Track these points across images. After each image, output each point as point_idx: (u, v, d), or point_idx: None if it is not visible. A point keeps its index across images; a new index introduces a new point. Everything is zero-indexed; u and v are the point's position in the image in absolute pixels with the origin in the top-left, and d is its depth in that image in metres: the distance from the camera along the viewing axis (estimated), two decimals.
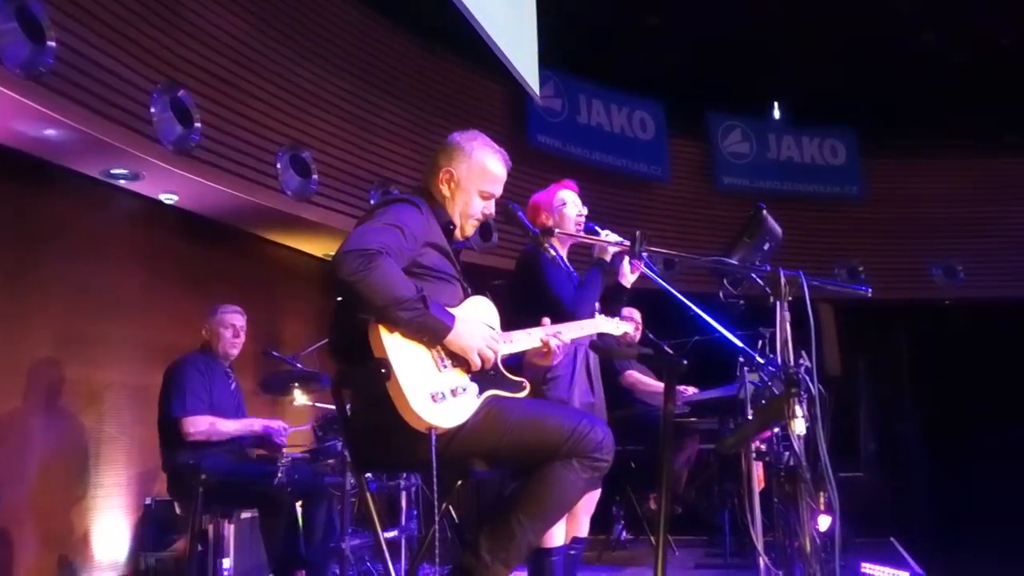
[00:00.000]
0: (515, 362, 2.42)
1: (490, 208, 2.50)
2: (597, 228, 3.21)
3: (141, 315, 5.16)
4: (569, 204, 3.28)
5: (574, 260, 3.35)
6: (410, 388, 2.06)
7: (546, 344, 2.43)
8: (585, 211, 3.31)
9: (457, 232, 2.46)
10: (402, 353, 2.10)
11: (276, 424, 4.20)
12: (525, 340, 2.42)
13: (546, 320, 2.50)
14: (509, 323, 2.43)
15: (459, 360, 2.19)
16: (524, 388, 2.33)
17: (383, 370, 2.05)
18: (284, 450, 4.18)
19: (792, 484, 2.49)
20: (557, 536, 2.96)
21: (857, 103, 8.95)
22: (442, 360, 2.17)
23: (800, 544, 2.47)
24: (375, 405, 2.12)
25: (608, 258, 3.14)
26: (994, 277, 8.85)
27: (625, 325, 2.85)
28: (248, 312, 4.41)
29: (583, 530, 3.29)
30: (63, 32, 4.14)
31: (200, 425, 3.95)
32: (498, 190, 2.51)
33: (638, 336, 5.27)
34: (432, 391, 2.10)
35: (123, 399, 4.98)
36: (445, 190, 2.45)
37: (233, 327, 4.31)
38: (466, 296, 2.39)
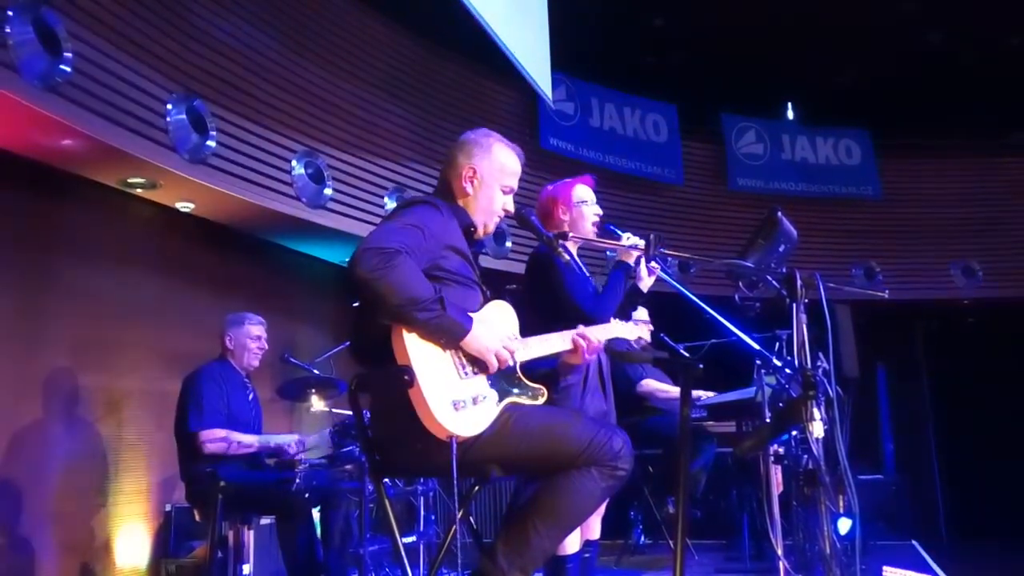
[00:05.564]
0: (541, 368, 2.43)
1: (510, 204, 2.51)
2: (618, 231, 3.17)
3: (158, 322, 5.19)
4: (588, 203, 3.26)
5: (583, 256, 3.33)
6: (432, 396, 2.06)
7: (574, 343, 2.46)
8: (601, 211, 3.29)
9: (480, 231, 2.46)
10: (425, 360, 2.10)
11: (290, 441, 4.19)
12: (542, 345, 2.42)
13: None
14: (526, 329, 2.43)
15: (480, 367, 2.20)
16: (542, 395, 2.33)
17: (406, 377, 2.05)
18: (301, 455, 4.18)
19: (811, 487, 2.47)
20: (572, 543, 2.95)
21: (871, 103, 8.90)
22: (463, 367, 2.17)
23: (820, 548, 2.45)
24: (394, 411, 2.13)
25: (632, 262, 3.09)
26: (1014, 276, 8.77)
27: (640, 330, 2.83)
28: (264, 319, 4.43)
29: (595, 533, 3.28)
30: (79, 43, 4.18)
31: (216, 437, 3.96)
32: (516, 184, 2.51)
33: (647, 334, 5.23)
34: (454, 399, 2.10)
35: (141, 406, 5.02)
36: (468, 187, 2.43)
37: (260, 339, 4.32)
38: (485, 301, 2.38)
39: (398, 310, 2.07)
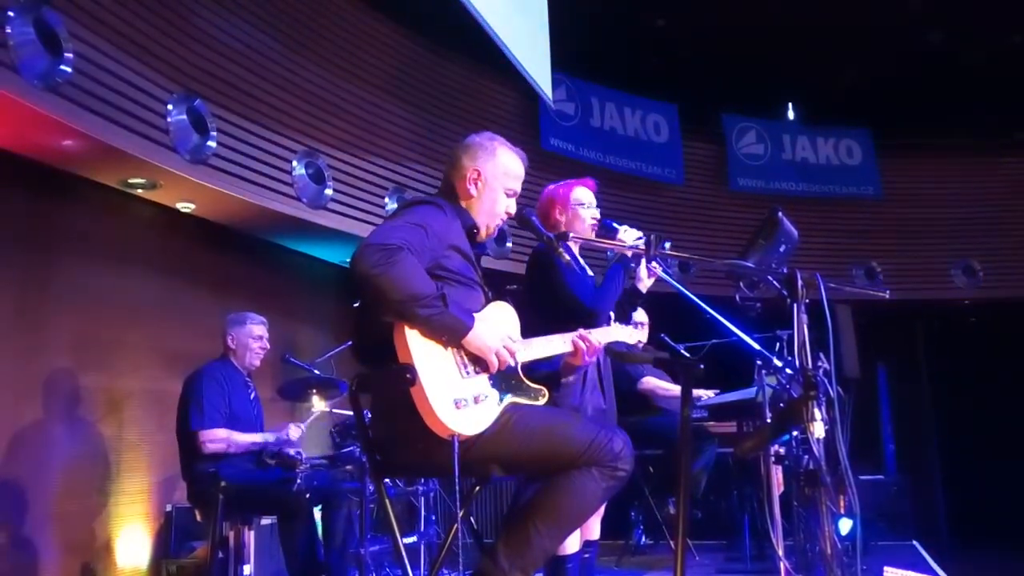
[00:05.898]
0: (542, 370, 2.43)
1: (512, 207, 2.52)
2: (615, 224, 3.17)
3: (159, 323, 5.19)
4: (586, 205, 3.26)
5: (584, 257, 3.34)
6: (434, 394, 2.06)
7: (574, 345, 2.46)
8: (599, 213, 3.29)
9: (482, 233, 2.47)
10: (427, 358, 2.10)
11: (290, 434, 4.18)
12: (544, 347, 2.43)
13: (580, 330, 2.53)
14: (527, 328, 2.43)
15: (481, 366, 2.20)
16: (543, 395, 2.34)
17: (408, 375, 2.06)
18: (302, 455, 4.18)
19: (812, 488, 2.47)
20: (572, 543, 2.96)
21: (872, 103, 8.90)
22: (465, 366, 2.18)
23: (821, 548, 2.45)
24: (396, 410, 2.13)
25: (630, 255, 3.11)
26: (1014, 276, 8.76)
27: (639, 333, 2.83)
28: (265, 319, 4.43)
29: (595, 533, 3.28)
30: (80, 43, 4.18)
31: (217, 437, 3.96)
32: (519, 188, 2.53)
33: (645, 337, 5.23)
34: (456, 397, 2.11)
35: (142, 406, 5.02)
36: (472, 190, 2.45)
37: (261, 339, 4.32)
38: (487, 302, 2.39)
39: (399, 306, 2.07)
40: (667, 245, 2.92)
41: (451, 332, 2.14)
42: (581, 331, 2.51)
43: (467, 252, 2.36)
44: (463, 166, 2.46)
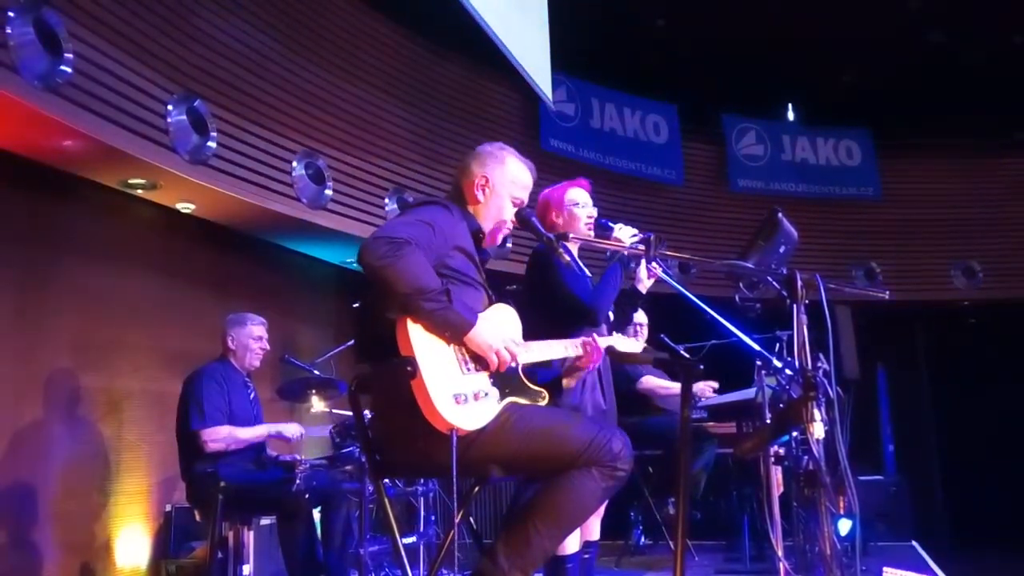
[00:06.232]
0: (545, 378, 2.44)
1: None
2: (610, 224, 3.18)
3: (159, 323, 5.20)
4: (581, 204, 3.27)
5: (582, 258, 3.34)
6: (434, 388, 2.07)
7: (583, 348, 2.49)
8: (595, 212, 3.30)
9: (486, 239, 2.51)
10: (428, 353, 2.12)
11: (291, 430, 4.20)
12: (544, 350, 2.44)
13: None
14: (526, 326, 2.45)
15: (482, 364, 2.22)
16: (543, 398, 2.35)
17: (409, 368, 2.07)
18: (301, 456, 4.19)
19: (811, 488, 2.47)
20: (571, 543, 2.96)
21: (872, 103, 8.90)
22: (466, 363, 2.20)
23: (820, 549, 2.45)
24: (396, 408, 2.14)
25: (627, 254, 3.12)
26: (1014, 277, 8.76)
27: (640, 344, 2.85)
28: (264, 319, 4.43)
29: (595, 534, 3.29)
30: (80, 44, 4.18)
31: (219, 435, 3.97)
32: (526, 198, 2.58)
33: (643, 338, 5.24)
34: (455, 392, 2.12)
35: (142, 407, 5.02)
36: (480, 195, 2.50)
37: (261, 339, 4.32)
38: (490, 303, 2.41)
39: (404, 299, 2.10)
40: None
41: (454, 328, 2.16)
42: (585, 338, 2.53)
43: (471, 253, 2.39)
44: (472, 172, 2.52)
